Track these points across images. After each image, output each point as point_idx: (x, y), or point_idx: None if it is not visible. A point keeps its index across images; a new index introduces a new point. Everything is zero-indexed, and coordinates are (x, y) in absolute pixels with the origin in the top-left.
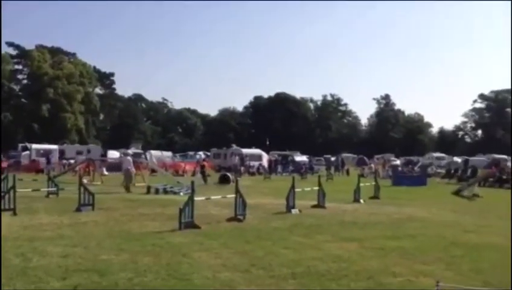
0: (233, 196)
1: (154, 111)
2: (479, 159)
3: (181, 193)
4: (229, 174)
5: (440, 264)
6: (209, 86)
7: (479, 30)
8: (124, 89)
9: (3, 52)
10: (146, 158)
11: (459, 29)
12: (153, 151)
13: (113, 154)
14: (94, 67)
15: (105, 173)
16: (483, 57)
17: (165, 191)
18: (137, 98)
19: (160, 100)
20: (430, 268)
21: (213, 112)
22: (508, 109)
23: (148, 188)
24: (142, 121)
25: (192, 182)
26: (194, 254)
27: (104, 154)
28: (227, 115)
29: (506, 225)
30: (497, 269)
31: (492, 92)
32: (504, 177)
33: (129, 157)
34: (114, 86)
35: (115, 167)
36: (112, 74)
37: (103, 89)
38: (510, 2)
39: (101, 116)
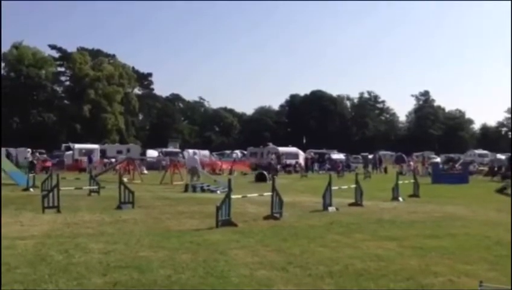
0: (270, 194)
1: (191, 110)
2: None
3: (218, 191)
4: (265, 172)
5: (483, 264)
6: (246, 85)
7: None
8: (161, 89)
9: (46, 54)
10: (183, 157)
11: (500, 23)
12: (190, 151)
13: (152, 153)
14: (133, 68)
15: (145, 171)
16: None
17: (203, 190)
18: (175, 98)
19: (197, 100)
20: (472, 268)
21: (249, 111)
22: None
23: (186, 186)
24: (180, 120)
25: (229, 180)
26: (231, 251)
27: (143, 154)
28: (263, 113)
29: None
30: None
31: None
32: None
33: (196, 156)
34: (152, 86)
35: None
36: (150, 75)
37: (142, 89)
38: (510, 1)
39: (140, 116)
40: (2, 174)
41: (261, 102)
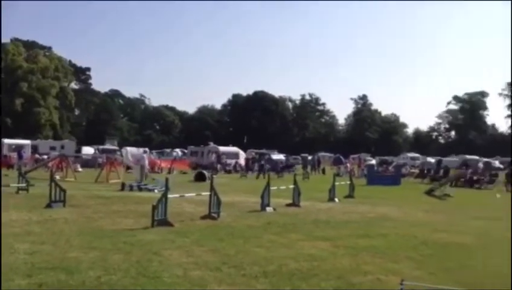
0: (208, 193)
1: (131, 107)
2: (451, 159)
3: (156, 190)
4: (205, 171)
5: (410, 263)
6: (188, 84)
7: (453, 33)
8: (100, 84)
9: None
10: (121, 155)
11: (434, 32)
12: (128, 148)
13: (88, 150)
14: (70, 61)
15: (80, 169)
16: (458, 59)
17: (140, 188)
18: (114, 94)
19: (138, 96)
20: (399, 267)
21: (191, 110)
22: (481, 111)
23: (123, 184)
24: (119, 117)
25: (167, 179)
26: (165, 251)
27: (79, 150)
28: (205, 112)
29: (475, 225)
30: (466, 268)
31: (466, 94)
32: (475, 178)
33: (145, 155)
34: (90, 81)
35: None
36: (88, 69)
37: (79, 84)
38: (510, 2)
39: (76, 112)
40: None
41: (203, 101)
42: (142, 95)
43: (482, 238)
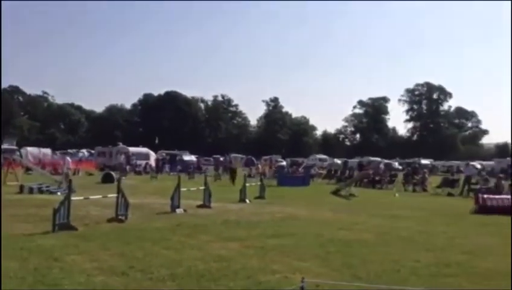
0: (116, 195)
1: (32, 105)
2: (356, 161)
3: (58, 193)
4: (113, 173)
5: (316, 260)
6: (96, 81)
7: (360, 40)
8: None
9: None
10: (21, 155)
11: (342, 39)
12: (29, 148)
13: None
14: None
15: None
16: (363, 65)
17: (41, 191)
18: (13, 91)
19: (40, 93)
20: (306, 265)
21: (99, 109)
22: (383, 115)
23: (21, 187)
24: (18, 115)
25: (70, 181)
26: (67, 257)
27: None
28: (114, 112)
29: (376, 222)
30: (366, 263)
31: (370, 99)
32: (377, 178)
33: (68, 158)
34: None
35: None
36: None
37: None
38: (510, 2)
39: None
40: None
41: (112, 100)
42: (45, 92)
43: (382, 235)
